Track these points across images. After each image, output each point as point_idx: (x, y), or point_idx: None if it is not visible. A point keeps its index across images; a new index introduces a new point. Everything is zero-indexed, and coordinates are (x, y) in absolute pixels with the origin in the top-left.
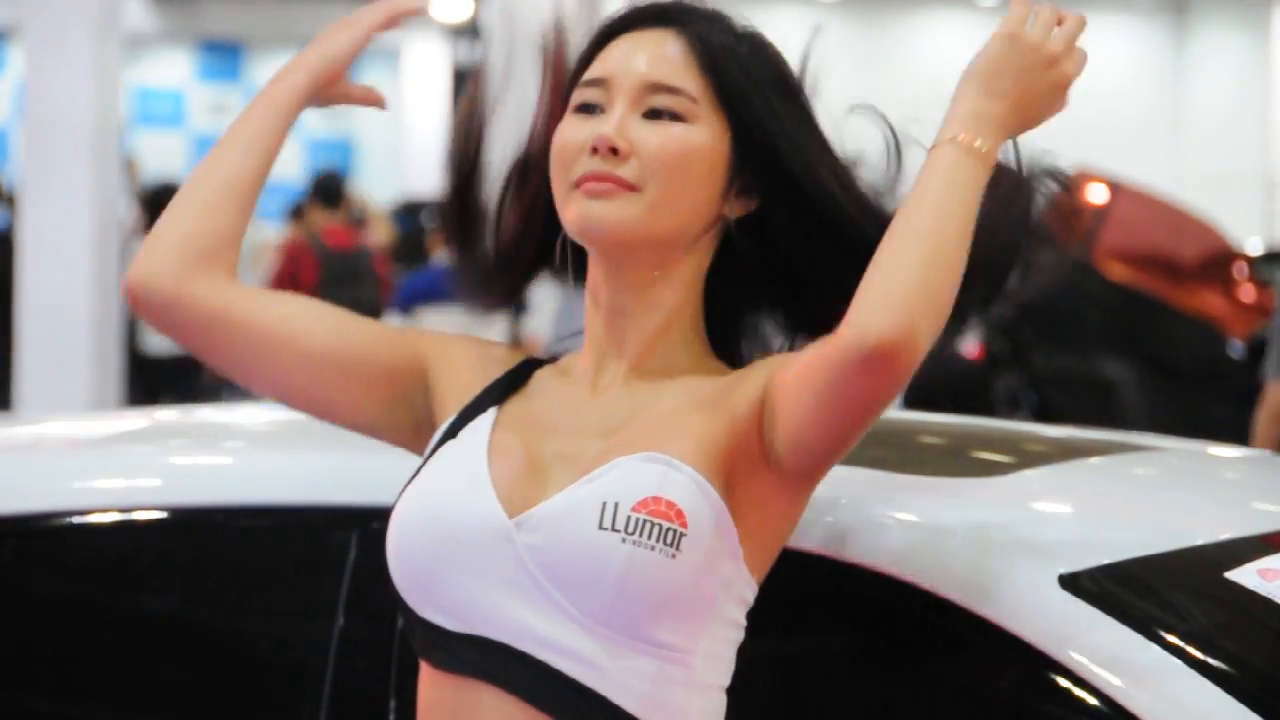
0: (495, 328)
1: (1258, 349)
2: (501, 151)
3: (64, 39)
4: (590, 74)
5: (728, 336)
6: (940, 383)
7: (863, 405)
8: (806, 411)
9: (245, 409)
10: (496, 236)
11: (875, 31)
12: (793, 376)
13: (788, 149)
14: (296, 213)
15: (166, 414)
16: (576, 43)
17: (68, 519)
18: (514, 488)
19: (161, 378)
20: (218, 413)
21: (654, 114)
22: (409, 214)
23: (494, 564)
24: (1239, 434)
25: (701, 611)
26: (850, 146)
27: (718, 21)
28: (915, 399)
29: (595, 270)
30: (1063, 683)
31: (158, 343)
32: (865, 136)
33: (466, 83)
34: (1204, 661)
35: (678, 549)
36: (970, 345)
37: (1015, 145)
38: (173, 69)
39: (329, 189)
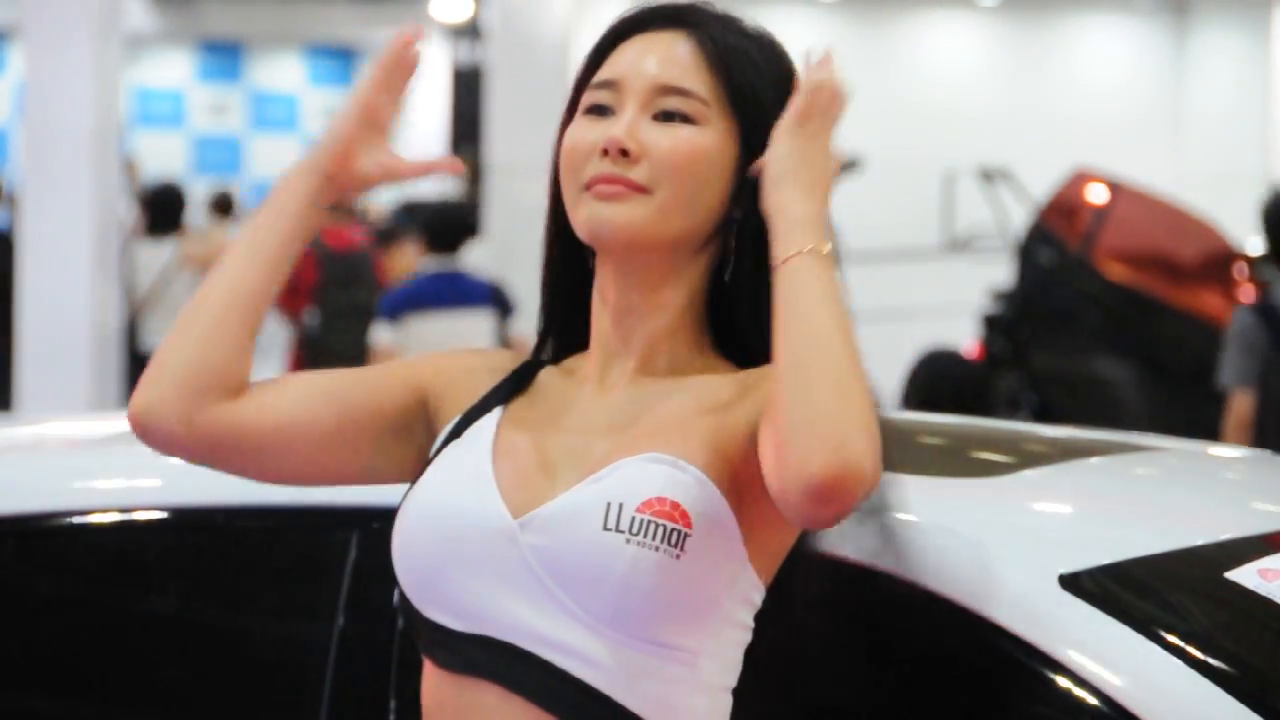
0: (481, 328)
1: None
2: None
3: (64, 39)
4: (600, 76)
5: (735, 336)
6: (940, 383)
7: (830, 520)
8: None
9: None
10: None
11: (875, 31)
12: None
13: None
14: None
15: None
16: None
17: (68, 519)
18: (519, 488)
19: None
20: None
21: (665, 116)
22: (409, 214)
23: (498, 564)
24: None
25: (706, 612)
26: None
27: (728, 23)
28: (915, 399)
29: (603, 270)
30: (1063, 683)
31: (158, 343)
32: (865, 137)
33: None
34: (1204, 661)
35: (682, 550)
36: (970, 345)
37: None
38: (173, 69)
39: None
